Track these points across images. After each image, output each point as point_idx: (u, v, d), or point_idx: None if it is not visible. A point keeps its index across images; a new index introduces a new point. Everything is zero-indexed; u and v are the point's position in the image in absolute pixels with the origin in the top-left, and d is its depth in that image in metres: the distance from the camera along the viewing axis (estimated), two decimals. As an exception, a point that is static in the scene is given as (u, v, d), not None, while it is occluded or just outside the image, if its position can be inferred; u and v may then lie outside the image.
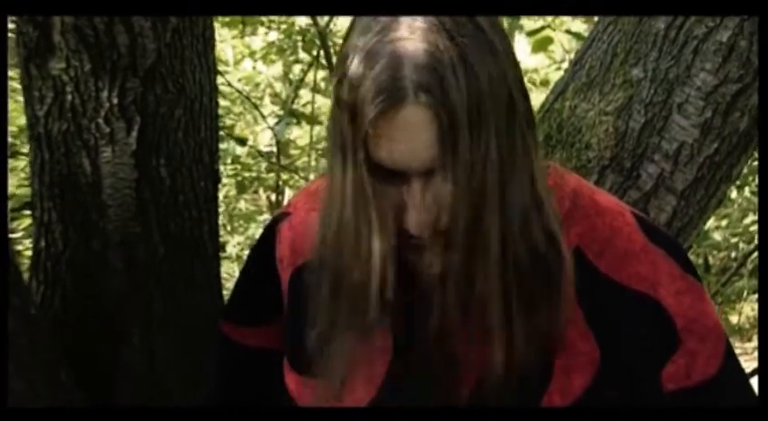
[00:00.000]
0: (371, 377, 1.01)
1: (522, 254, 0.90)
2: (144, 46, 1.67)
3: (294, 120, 2.74)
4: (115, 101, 1.67)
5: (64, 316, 1.71)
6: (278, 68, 5.50)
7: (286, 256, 1.10)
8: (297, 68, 5.23)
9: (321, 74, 3.45)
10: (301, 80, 3.12)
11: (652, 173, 1.44)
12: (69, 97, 1.67)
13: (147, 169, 1.71)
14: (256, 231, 6.17)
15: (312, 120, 2.86)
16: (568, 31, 2.81)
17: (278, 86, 5.84)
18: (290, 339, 1.09)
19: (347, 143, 0.87)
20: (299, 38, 3.14)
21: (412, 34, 0.83)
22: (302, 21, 3.32)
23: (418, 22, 0.84)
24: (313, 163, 3.29)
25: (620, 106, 1.46)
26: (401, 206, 0.90)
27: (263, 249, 1.14)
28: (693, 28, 1.40)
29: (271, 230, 1.14)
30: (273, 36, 4.45)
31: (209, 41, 1.84)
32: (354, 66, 0.84)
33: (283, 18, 3.39)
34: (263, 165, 3.67)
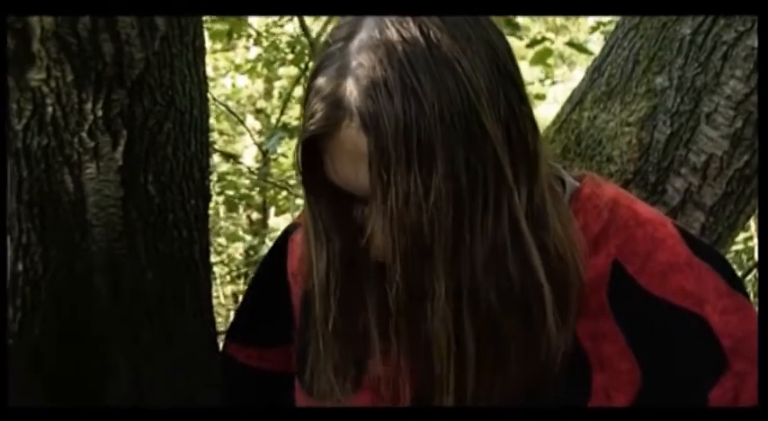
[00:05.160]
0: None
1: (489, 297, 0.83)
2: (131, 55, 1.58)
3: (286, 135, 2.66)
4: (100, 113, 1.58)
5: (44, 345, 1.61)
6: (259, 85, 5.43)
7: (299, 269, 1.05)
8: (278, 84, 5.17)
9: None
10: (289, 93, 3.05)
11: (679, 187, 1.40)
12: (50, 110, 1.57)
13: (135, 186, 1.62)
14: (236, 251, 6.05)
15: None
16: (570, 44, 2.75)
17: (260, 102, 5.77)
18: (299, 355, 1.04)
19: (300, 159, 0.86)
20: (288, 50, 3.07)
21: (362, 51, 0.78)
22: (291, 32, 3.25)
23: (374, 37, 0.78)
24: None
25: (643, 116, 1.41)
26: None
27: (275, 262, 1.10)
28: (722, 33, 1.36)
29: (283, 243, 1.10)
30: (254, 52, 4.38)
31: (199, 51, 1.75)
32: (311, 76, 0.83)
33: (270, 30, 3.33)
34: (245, 182, 3.59)
